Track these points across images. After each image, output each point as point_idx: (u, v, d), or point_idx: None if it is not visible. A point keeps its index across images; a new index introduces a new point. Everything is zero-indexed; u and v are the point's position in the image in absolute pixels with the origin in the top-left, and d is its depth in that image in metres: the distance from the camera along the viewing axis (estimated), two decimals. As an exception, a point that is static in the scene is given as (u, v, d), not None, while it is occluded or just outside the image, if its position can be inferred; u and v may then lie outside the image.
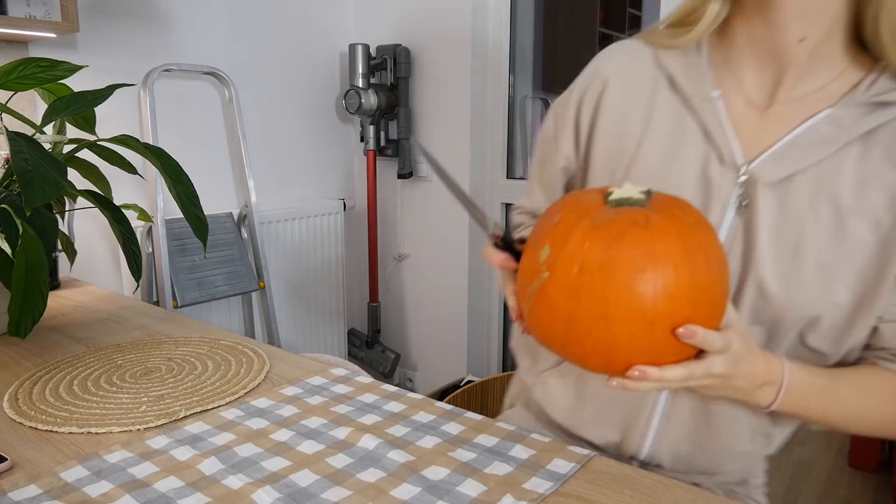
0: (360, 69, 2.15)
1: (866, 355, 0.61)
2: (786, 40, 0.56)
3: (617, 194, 0.52)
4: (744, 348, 0.51)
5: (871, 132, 0.55)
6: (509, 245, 0.58)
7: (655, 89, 0.63)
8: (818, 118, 0.57)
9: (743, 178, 0.59)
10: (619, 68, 0.64)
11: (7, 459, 0.68)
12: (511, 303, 0.60)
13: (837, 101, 0.57)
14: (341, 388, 0.87)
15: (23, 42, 1.50)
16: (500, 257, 0.58)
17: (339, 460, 0.69)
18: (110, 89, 1.11)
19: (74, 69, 1.14)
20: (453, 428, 0.77)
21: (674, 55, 0.62)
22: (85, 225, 1.68)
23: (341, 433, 0.74)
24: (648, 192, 0.52)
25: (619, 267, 0.47)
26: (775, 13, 0.54)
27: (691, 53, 0.62)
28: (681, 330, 0.47)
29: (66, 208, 1.29)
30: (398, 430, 0.76)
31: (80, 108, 1.07)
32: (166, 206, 1.75)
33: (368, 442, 0.73)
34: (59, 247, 1.34)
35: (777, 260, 0.58)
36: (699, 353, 0.51)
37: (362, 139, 2.27)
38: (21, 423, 0.78)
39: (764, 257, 0.58)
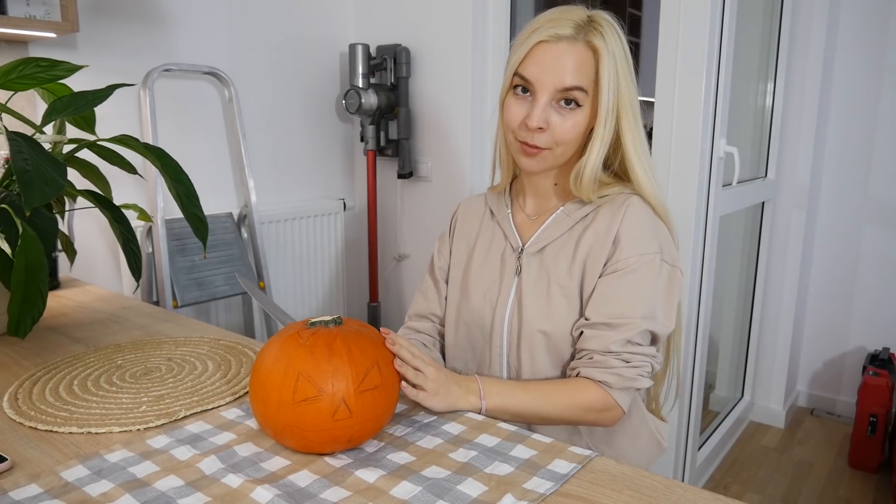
0: (360, 69, 2.15)
1: (572, 364, 0.92)
2: (548, 185, 1.01)
3: (316, 320, 0.73)
4: (444, 382, 0.81)
5: (587, 216, 0.97)
6: None
7: (483, 217, 1.09)
8: (558, 212, 0.99)
9: (518, 254, 1.00)
10: (464, 210, 1.13)
11: (7, 459, 0.68)
12: None
13: (565, 203, 1.00)
14: (341, 388, 0.87)
15: (23, 42, 1.50)
16: None
17: (339, 460, 0.69)
18: (110, 89, 1.11)
19: (74, 69, 1.14)
20: (454, 428, 0.77)
21: (493, 195, 1.09)
22: (85, 225, 1.68)
23: (341, 433, 0.74)
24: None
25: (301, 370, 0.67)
26: (539, 176, 0.99)
27: (502, 194, 1.08)
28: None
29: (66, 208, 1.29)
30: (399, 430, 0.76)
31: (80, 108, 1.07)
32: (166, 206, 1.75)
33: (368, 442, 0.73)
34: (59, 247, 1.34)
35: (535, 300, 0.95)
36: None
37: (362, 139, 2.27)
38: (21, 423, 0.78)
39: (528, 300, 0.96)
